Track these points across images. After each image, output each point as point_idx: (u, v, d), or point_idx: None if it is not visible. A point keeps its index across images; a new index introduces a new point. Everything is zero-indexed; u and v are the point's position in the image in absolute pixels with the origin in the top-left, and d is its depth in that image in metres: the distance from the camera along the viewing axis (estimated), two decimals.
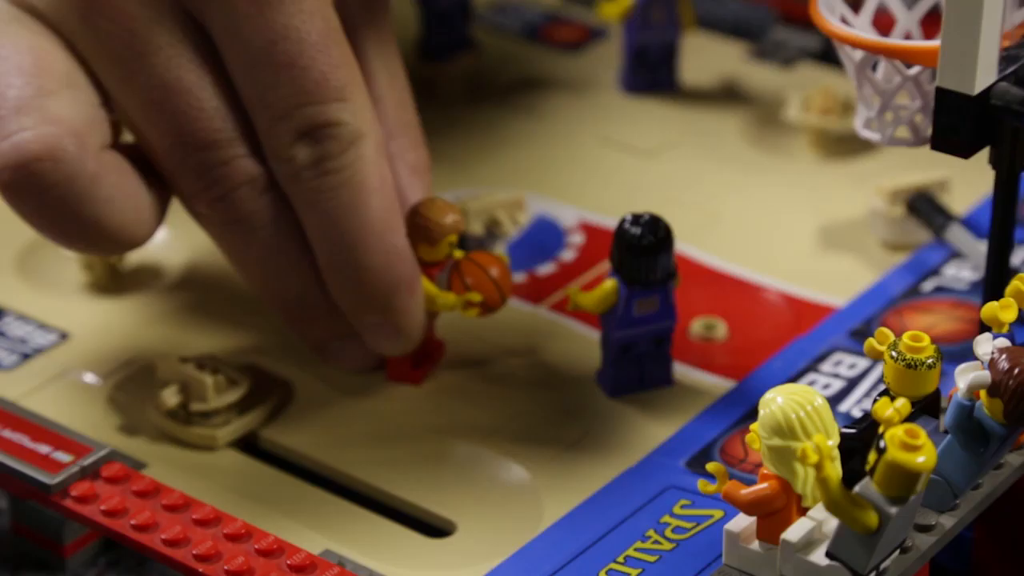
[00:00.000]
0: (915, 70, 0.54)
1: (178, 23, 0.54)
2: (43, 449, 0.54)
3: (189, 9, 0.54)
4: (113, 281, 0.63)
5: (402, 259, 0.55)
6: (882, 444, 0.44)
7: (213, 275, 0.59)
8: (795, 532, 0.46)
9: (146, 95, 0.54)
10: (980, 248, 0.62)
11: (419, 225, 0.56)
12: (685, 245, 0.64)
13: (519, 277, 0.63)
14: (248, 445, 0.57)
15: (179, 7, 0.54)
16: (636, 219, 0.56)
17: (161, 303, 0.62)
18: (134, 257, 0.63)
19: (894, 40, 0.56)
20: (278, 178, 0.55)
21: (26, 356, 0.60)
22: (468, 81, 0.74)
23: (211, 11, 0.54)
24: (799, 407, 0.46)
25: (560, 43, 0.76)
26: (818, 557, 0.46)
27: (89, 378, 0.59)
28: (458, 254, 0.57)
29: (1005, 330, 0.49)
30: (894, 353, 0.50)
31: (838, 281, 0.63)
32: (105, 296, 0.62)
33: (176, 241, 0.63)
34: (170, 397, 0.56)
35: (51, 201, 0.53)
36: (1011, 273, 0.53)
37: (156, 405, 0.56)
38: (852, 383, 0.58)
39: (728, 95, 0.72)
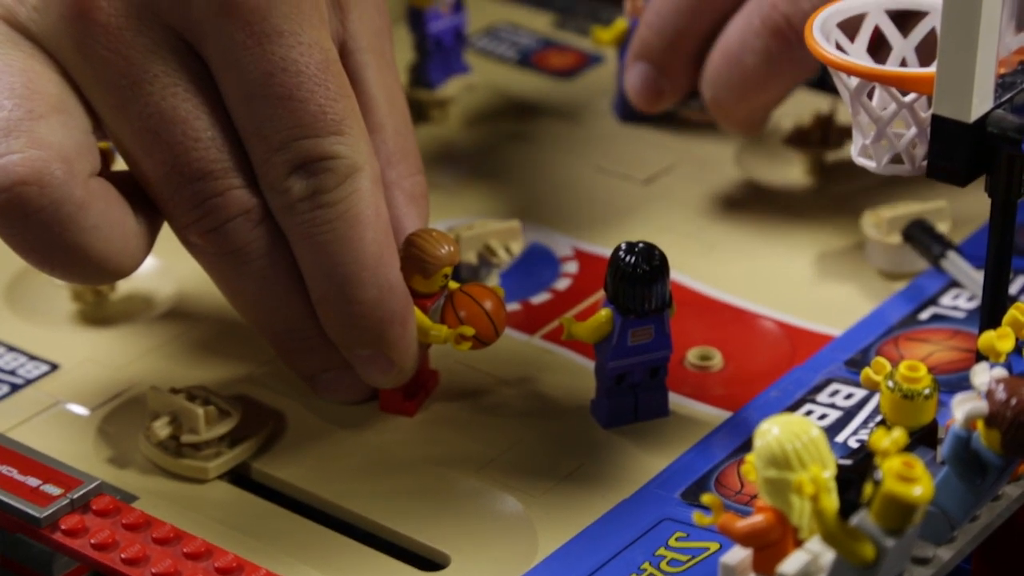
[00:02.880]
0: (911, 97, 0.54)
1: (175, 52, 0.54)
2: (32, 482, 0.54)
3: (187, 39, 0.54)
4: (103, 311, 0.62)
5: (395, 293, 0.55)
6: (878, 475, 0.44)
7: (204, 305, 0.59)
8: (791, 564, 0.45)
9: (141, 123, 0.54)
10: (977, 277, 0.61)
11: (414, 257, 0.56)
12: (680, 274, 0.64)
13: (513, 306, 0.63)
14: (240, 477, 0.56)
15: (177, 36, 0.54)
16: (630, 248, 0.56)
17: (152, 333, 0.62)
18: (124, 287, 0.63)
19: (889, 67, 0.56)
20: (273, 210, 0.55)
21: (15, 387, 0.59)
22: (462, 108, 0.73)
23: (209, 41, 0.53)
24: (795, 438, 0.46)
25: (554, 69, 0.76)
26: None
27: (79, 409, 0.58)
28: (452, 286, 0.56)
29: (1002, 360, 0.49)
30: (891, 383, 0.49)
31: (835, 310, 0.62)
32: (95, 326, 0.62)
33: (167, 271, 0.63)
34: (161, 428, 0.55)
35: (35, 226, 0.52)
36: (1008, 302, 0.53)
37: (147, 436, 0.56)
38: (849, 413, 0.57)
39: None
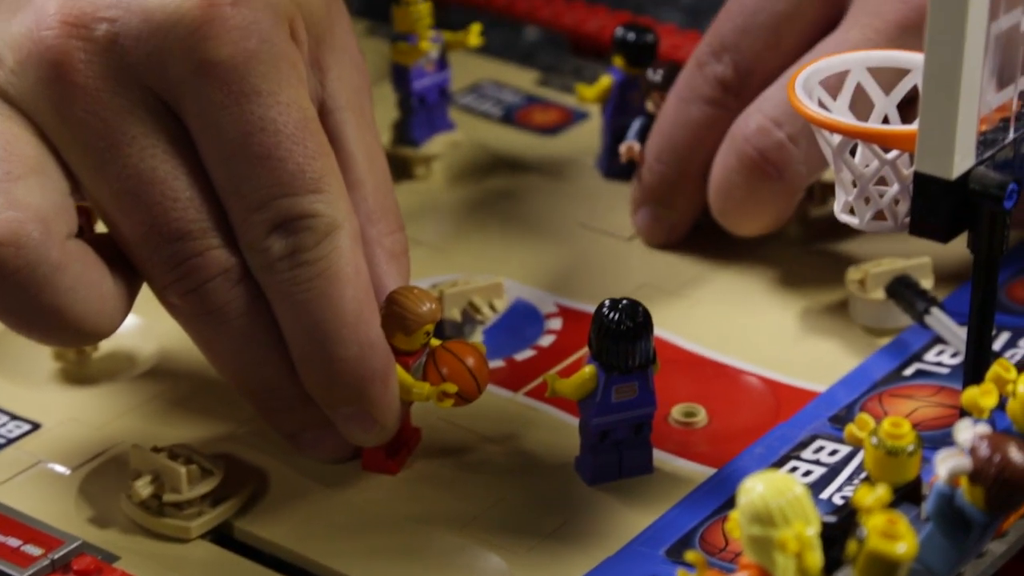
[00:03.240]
0: (893, 155, 0.54)
1: (152, 112, 0.54)
2: (13, 542, 0.53)
3: (165, 99, 0.54)
4: (85, 370, 0.62)
5: (376, 351, 0.55)
6: (862, 533, 0.44)
7: (186, 363, 0.59)
8: None
9: (119, 185, 0.54)
10: (961, 333, 0.61)
11: (395, 314, 0.55)
12: (664, 330, 0.64)
13: (497, 363, 0.63)
14: (222, 536, 0.56)
15: (154, 96, 0.54)
16: (614, 304, 0.56)
17: (133, 392, 0.61)
18: (106, 345, 0.63)
19: (871, 124, 0.56)
20: (252, 269, 0.55)
21: None
22: (446, 165, 0.73)
23: (186, 101, 0.54)
24: (779, 495, 0.46)
25: (538, 126, 0.76)
26: None
27: (60, 469, 0.58)
28: (434, 343, 0.56)
29: (986, 416, 0.49)
30: (875, 439, 0.49)
31: (819, 366, 0.62)
32: (77, 385, 0.62)
33: (149, 329, 0.63)
34: (143, 487, 0.55)
35: (11, 287, 0.52)
36: (992, 358, 0.53)
37: (129, 496, 0.56)
38: (834, 470, 0.57)
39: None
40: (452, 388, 0.56)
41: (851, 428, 0.50)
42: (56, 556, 0.53)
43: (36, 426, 0.60)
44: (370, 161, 0.58)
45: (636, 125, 0.69)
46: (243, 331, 0.55)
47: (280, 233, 0.54)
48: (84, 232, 0.55)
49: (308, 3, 0.56)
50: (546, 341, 0.64)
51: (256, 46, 0.53)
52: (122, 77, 0.53)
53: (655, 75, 0.68)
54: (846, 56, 0.58)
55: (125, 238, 0.55)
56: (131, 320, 0.57)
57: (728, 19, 0.66)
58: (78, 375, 0.62)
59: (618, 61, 0.71)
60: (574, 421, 0.58)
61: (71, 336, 0.54)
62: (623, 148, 0.69)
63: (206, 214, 0.54)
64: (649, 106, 0.68)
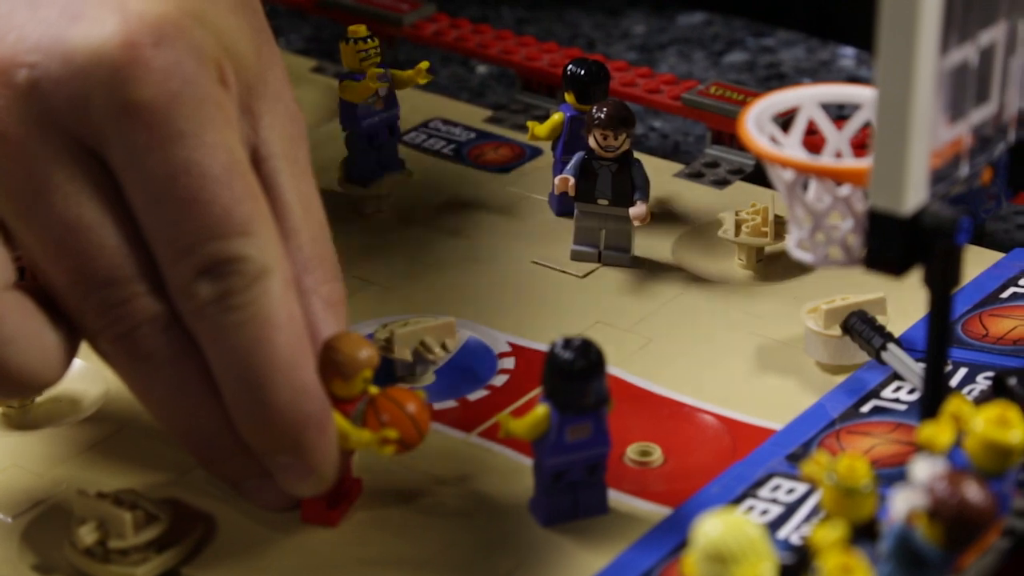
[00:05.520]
0: (845, 190, 0.54)
1: (78, 160, 0.53)
2: None
3: (88, 144, 0.53)
4: (27, 415, 0.61)
5: (311, 397, 0.54)
6: (818, 572, 0.43)
7: (130, 407, 0.58)
8: None
9: (45, 233, 0.53)
10: (917, 369, 0.61)
11: (332, 360, 0.55)
12: (618, 368, 0.63)
13: (449, 403, 0.62)
14: None
15: (78, 142, 0.53)
16: (567, 343, 0.55)
17: (78, 437, 0.60)
18: (50, 390, 0.62)
19: (824, 160, 0.55)
20: (182, 315, 0.54)
21: None
22: (396, 203, 0.73)
23: (111, 146, 0.53)
24: (736, 534, 0.45)
25: (489, 164, 0.75)
26: None
27: (2, 516, 0.57)
28: (373, 390, 0.55)
29: (943, 453, 0.48)
30: (831, 477, 0.49)
31: (775, 403, 0.62)
32: (19, 430, 0.61)
33: (93, 373, 0.62)
34: (87, 534, 0.54)
35: None
36: (948, 393, 0.53)
37: (73, 542, 0.55)
38: (791, 508, 0.57)
39: (661, 214, 0.72)
40: (393, 434, 0.55)
41: (807, 466, 0.50)
42: None
43: None
44: (305, 209, 0.57)
45: (575, 159, 0.68)
46: (175, 379, 0.54)
47: (208, 278, 0.53)
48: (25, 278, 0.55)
49: (237, 49, 0.55)
50: (499, 380, 0.63)
51: (179, 88, 0.53)
52: (44, 123, 0.53)
53: (599, 112, 0.68)
54: (797, 91, 0.57)
55: (54, 285, 0.54)
56: (75, 364, 0.56)
57: None
58: (20, 420, 0.61)
59: (569, 97, 0.71)
60: (528, 462, 0.57)
61: (13, 388, 0.53)
62: (558, 180, 0.68)
63: (133, 260, 0.53)
64: (591, 142, 0.68)
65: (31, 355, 0.53)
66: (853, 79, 0.84)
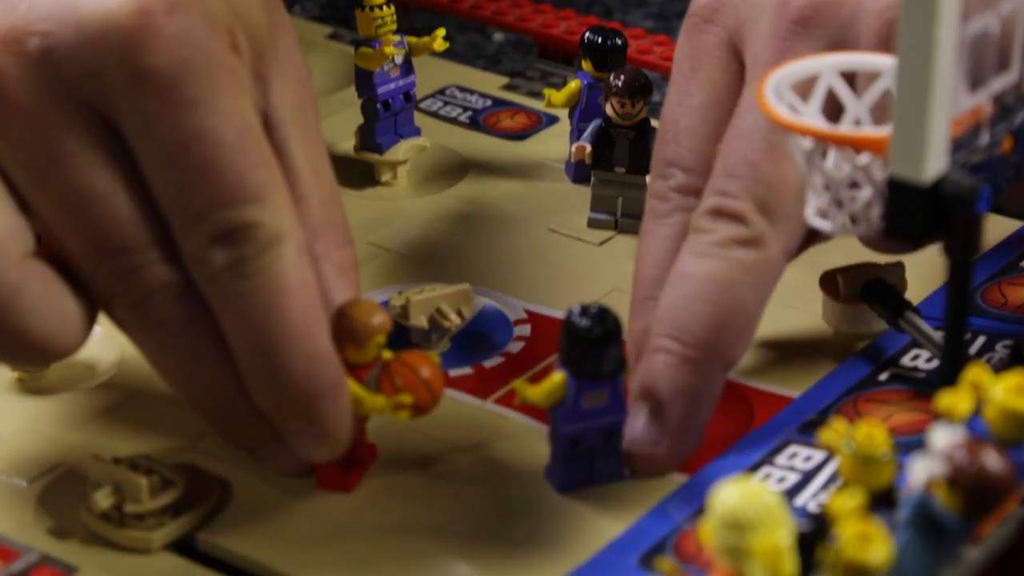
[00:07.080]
0: (865, 159, 0.54)
1: (91, 127, 0.53)
2: None
3: (101, 111, 0.53)
4: (43, 380, 0.61)
5: (325, 363, 0.54)
6: (837, 540, 0.43)
7: (146, 373, 0.58)
8: None
9: (60, 201, 0.53)
10: (935, 337, 0.61)
11: (345, 327, 0.55)
12: None
13: (465, 370, 0.62)
14: (185, 547, 0.55)
15: (91, 110, 0.53)
16: (584, 310, 0.55)
17: (93, 402, 0.60)
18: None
19: (843, 128, 0.55)
20: (196, 282, 0.54)
21: None
22: (412, 171, 0.73)
23: (123, 113, 0.53)
24: (753, 502, 0.45)
25: (506, 131, 0.75)
26: None
27: (18, 481, 0.57)
28: (387, 355, 0.55)
29: (962, 421, 0.48)
30: (849, 445, 0.49)
31: (793, 371, 0.62)
32: (35, 396, 0.61)
33: (109, 339, 0.62)
34: (103, 499, 0.54)
35: None
36: (967, 362, 0.52)
37: (88, 507, 0.55)
38: (808, 476, 0.57)
39: None
40: (407, 399, 0.55)
41: (825, 434, 0.50)
42: (14, 569, 0.52)
43: None
44: (316, 175, 0.57)
45: (592, 127, 0.68)
46: (189, 345, 0.54)
47: (222, 244, 0.53)
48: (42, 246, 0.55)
49: (248, 16, 0.55)
50: (515, 348, 0.63)
51: (191, 54, 0.52)
52: (57, 91, 0.52)
53: (616, 80, 0.68)
54: (816, 60, 0.57)
55: (69, 253, 0.54)
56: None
57: (664, 143, 0.61)
58: (36, 386, 0.61)
59: (586, 65, 0.71)
60: (544, 429, 0.57)
61: (35, 356, 0.53)
62: (575, 148, 0.68)
63: (147, 228, 0.53)
64: (608, 110, 0.68)
65: (53, 323, 0.53)
66: None
